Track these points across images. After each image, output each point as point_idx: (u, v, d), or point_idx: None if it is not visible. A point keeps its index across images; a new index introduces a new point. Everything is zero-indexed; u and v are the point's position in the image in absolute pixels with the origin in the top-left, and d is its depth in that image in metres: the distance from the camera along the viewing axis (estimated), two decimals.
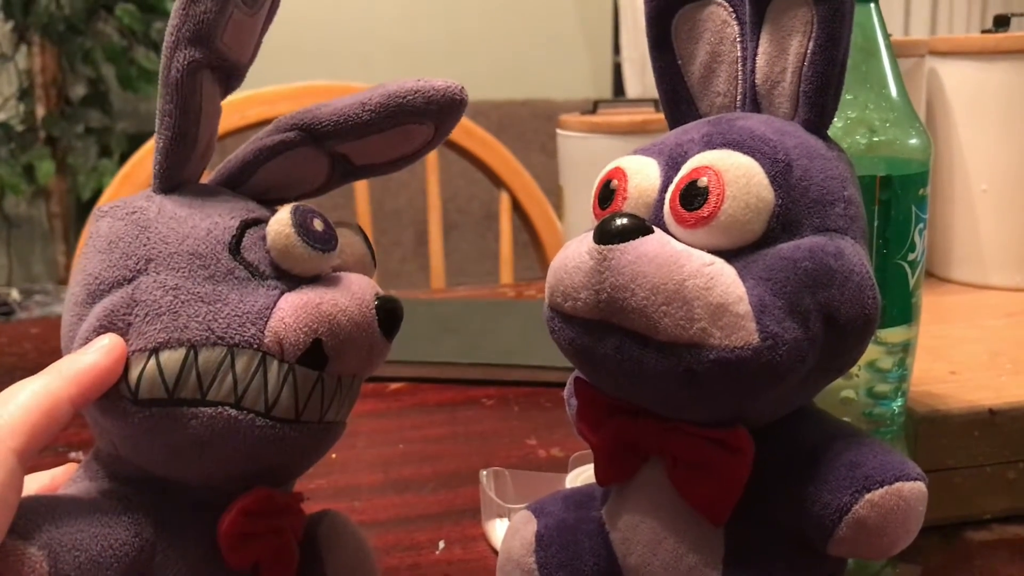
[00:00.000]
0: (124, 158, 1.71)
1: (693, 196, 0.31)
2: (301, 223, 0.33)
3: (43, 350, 0.87)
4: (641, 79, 2.79)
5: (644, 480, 0.35)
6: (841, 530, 0.31)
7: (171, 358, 0.31)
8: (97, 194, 2.16)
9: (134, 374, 0.31)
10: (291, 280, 0.33)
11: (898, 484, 0.31)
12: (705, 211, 0.31)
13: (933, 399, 0.48)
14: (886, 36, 0.42)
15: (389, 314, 0.34)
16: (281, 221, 0.33)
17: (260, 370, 0.31)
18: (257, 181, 0.36)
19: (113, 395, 0.31)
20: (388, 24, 2.64)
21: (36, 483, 0.36)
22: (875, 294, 0.32)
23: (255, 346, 0.31)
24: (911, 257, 0.42)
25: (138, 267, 0.32)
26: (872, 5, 0.42)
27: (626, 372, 0.32)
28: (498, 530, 0.49)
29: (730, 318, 0.30)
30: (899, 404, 0.44)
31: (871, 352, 0.42)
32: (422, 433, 0.65)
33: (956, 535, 0.48)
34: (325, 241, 0.33)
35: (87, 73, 2.51)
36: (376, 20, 2.62)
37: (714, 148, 0.32)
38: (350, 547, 0.37)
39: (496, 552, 0.46)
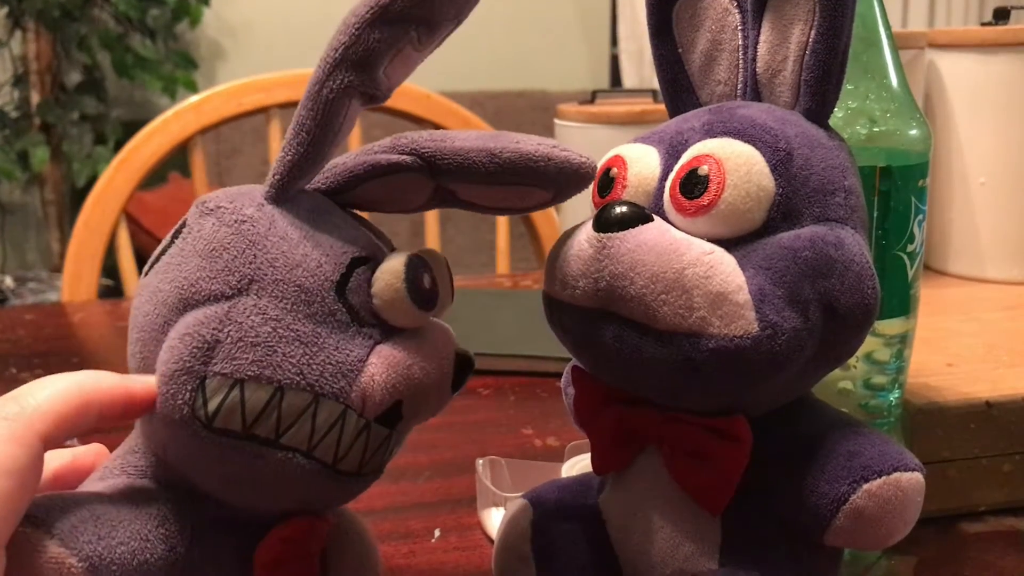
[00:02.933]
0: (119, 145, 1.70)
1: (693, 184, 0.31)
2: (412, 279, 0.32)
3: (37, 337, 0.87)
4: (638, 71, 2.79)
5: (641, 469, 0.35)
6: (839, 520, 0.31)
7: (257, 395, 0.29)
8: (92, 181, 2.15)
9: (215, 401, 0.29)
10: (386, 329, 0.32)
11: (896, 474, 0.31)
12: (705, 199, 0.31)
13: (930, 391, 0.48)
14: (887, 26, 0.42)
15: (461, 369, 0.34)
16: (394, 273, 0.32)
17: (339, 424, 0.31)
18: (358, 193, 0.35)
19: (186, 413, 0.29)
20: None
21: (57, 460, 0.35)
22: (875, 284, 0.32)
23: (340, 399, 0.30)
24: (910, 248, 0.42)
25: (240, 285, 0.30)
26: None
27: (624, 361, 0.32)
28: (494, 519, 0.49)
29: (729, 307, 0.30)
30: (896, 396, 0.44)
31: (869, 344, 0.42)
32: None
33: (951, 527, 0.48)
34: (430, 300, 0.32)
35: (82, 60, 2.50)
36: None
37: (715, 136, 0.32)
38: (355, 556, 0.37)
39: (492, 541, 0.46)
